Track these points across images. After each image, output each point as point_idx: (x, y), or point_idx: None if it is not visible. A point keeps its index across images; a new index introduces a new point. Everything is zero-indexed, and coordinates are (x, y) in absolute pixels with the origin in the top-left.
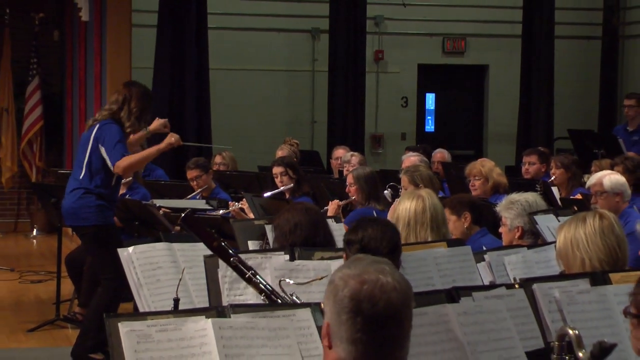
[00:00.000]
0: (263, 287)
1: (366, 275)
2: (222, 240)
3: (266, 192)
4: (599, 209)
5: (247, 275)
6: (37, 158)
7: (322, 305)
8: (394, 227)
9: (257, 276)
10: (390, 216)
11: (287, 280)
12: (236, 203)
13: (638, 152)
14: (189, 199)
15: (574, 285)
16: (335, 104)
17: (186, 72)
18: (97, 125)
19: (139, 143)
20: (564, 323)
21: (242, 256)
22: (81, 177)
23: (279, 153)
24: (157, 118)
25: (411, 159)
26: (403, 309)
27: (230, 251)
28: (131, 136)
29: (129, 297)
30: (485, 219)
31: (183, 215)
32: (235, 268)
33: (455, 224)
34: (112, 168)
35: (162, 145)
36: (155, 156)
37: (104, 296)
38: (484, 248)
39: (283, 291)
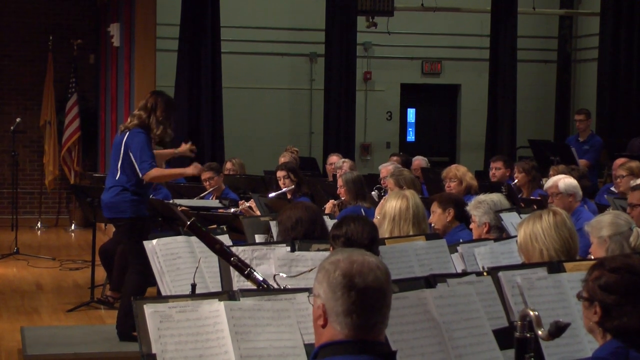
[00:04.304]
0: (259, 282)
1: (354, 257)
2: (222, 244)
3: (271, 192)
4: (554, 207)
5: (245, 272)
6: (75, 163)
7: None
8: (372, 222)
9: (254, 272)
10: (377, 212)
11: (281, 274)
12: (245, 202)
13: (589, 159)
14: (201, 197)
15: (534, 273)
16: (330, 118)
17: (202, 90)
18: (128, 133)
19: (163, 160)
20: (525, 305)
21: (250, 247)
22: (117, 177)
23: (282, 159)
24: (183, 143)
25: (388, 167)
26: (386, 284)
27: (230, 252)
28: (160, 151)
29: (153, 283)
30: (467, 216)
31: (189, 223)
32: (235, 266)
33: (440, 217)
34: (140, 175)
35: (189, 170)
36: (179, 177)
37: (133, 281)
38: (461, 240)
39: (277, 284)
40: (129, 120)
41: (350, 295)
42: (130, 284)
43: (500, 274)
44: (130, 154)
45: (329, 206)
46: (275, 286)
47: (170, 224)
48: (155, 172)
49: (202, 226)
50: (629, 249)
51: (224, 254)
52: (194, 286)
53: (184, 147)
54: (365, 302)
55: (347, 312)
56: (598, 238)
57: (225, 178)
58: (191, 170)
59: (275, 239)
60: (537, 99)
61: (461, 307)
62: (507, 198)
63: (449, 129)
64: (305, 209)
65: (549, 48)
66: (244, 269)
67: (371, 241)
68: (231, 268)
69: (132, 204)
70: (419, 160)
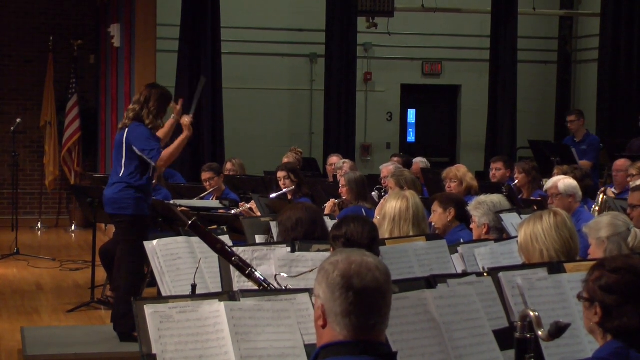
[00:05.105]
0: (260, 281)
1: (352, 258)
2: (224, 243)
3: (271, 193)
4: (555, 208)
5: (247, 272)
6: (76, 164)
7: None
8: (372, 222)
9: (256, 272)
10: (377, 213)
11: (282, 274)
12: (246, 204)
13: (589, 159)
14: (201, 198)
15: (534, 274)
16: (330, 118)
17: (203, 91)
18: (127, 129)
19: (169, 135)
20: (525, 306)
21: (251, 248)
22: (121, 174)
23: (285, 160)
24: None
25: (388, 168)
26: (385, 285)
27: (231, 252)
28: (163, 128)
29: (154, 283)
30: (467, 216)
31: (190, 222)
32: (237, 266)
33: (440, 216)
34: (153, 164)
35: (185, 131)
36: (186, 142)
37: (128, 281)
38: (462, 240)
39: (278, 284)
40: (125, 116)
41: (348, 296)
42: (125, 284)
43: (501, 274)
44: (135, 149)
45: (329, 205)
46: (276, 286)
47: (170, 225)
48: (163, 154)
49: (203, 226)
50: (627, 250)
51: (225, 254)
52: (194, 287)
53: (176, 112)
54: (364, 302)
55: (346, 313)
56: (596, 239)
57: (225, 178)
58: (186, 132)
59: (275, 240)
60: (537, 99)
61: (461, 307)
62: (507, 199)
63: (449, 129)
64: (306, 210)
65: (549, 49)
66: (245, 268)
67: (371, 241)
68: (231, 268)
69: (135, 201)
70: (418, 163)
